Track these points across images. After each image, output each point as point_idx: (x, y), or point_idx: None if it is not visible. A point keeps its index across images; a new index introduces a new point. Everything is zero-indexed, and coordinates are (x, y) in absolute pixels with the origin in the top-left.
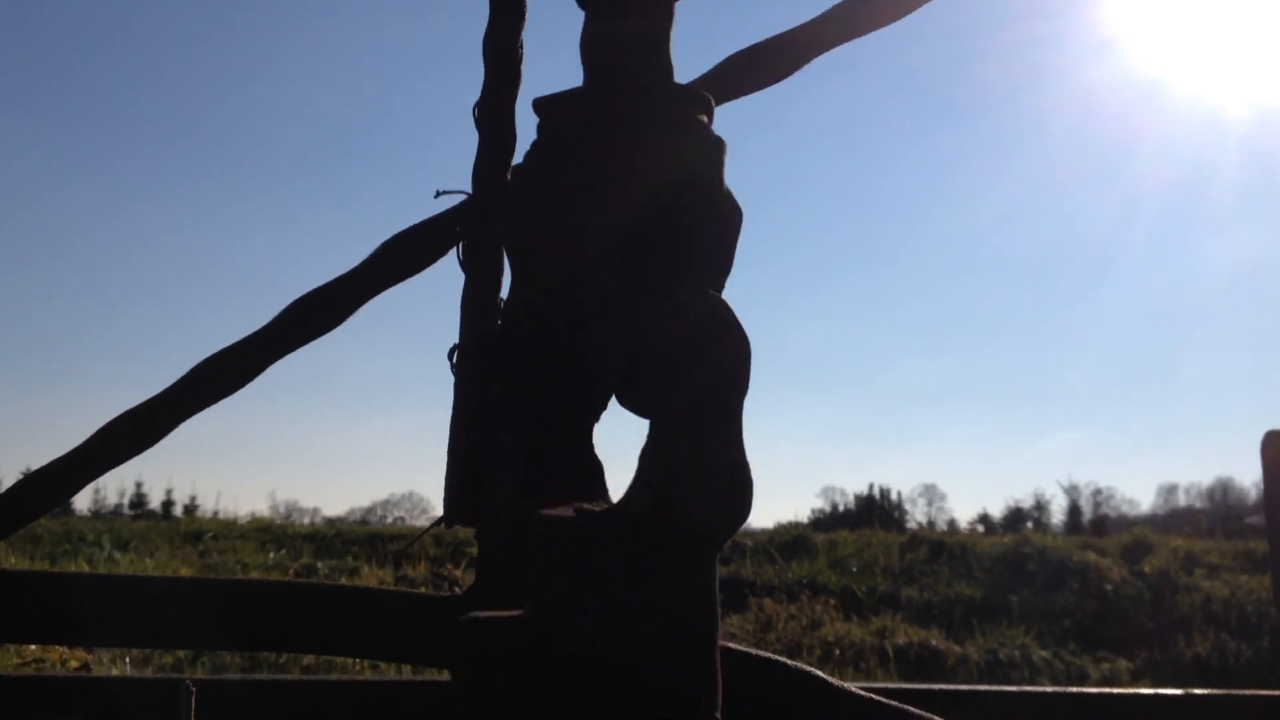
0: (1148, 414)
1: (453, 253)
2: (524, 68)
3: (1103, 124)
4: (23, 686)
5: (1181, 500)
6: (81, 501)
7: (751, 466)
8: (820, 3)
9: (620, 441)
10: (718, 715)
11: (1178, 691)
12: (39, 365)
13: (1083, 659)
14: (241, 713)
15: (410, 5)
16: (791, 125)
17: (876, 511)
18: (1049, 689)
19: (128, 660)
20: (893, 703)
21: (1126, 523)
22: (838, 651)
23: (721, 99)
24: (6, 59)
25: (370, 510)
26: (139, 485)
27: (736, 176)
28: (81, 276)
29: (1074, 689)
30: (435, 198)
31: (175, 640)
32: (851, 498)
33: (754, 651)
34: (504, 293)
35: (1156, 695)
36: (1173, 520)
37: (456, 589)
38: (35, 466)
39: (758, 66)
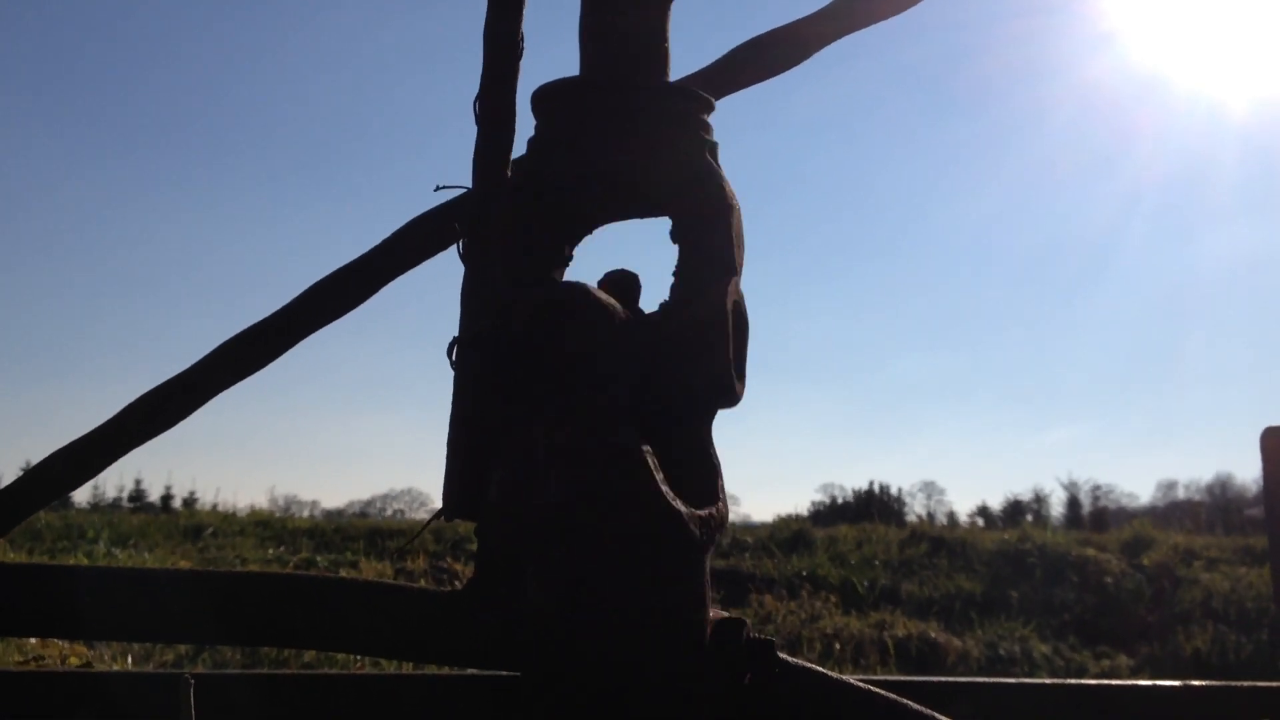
0: (1147, 409)
1: (453, 246)
2: (524, 60)
3: (1102, 118)
4: (22, 682)
5: (1181, 496)
6: (80, 494)
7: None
8: None
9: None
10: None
11: (1175, 683)
12: (39, 362)
13: (1082, 654)
14: (241, 707)
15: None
16: (792, 119)
17: (876, 506)
18: (1046, 680)
19: (129, 657)
20: (891, 695)
21: (1126, 516)
22: (837, 645)
23: (723, 91)
24: (7, 59)
25: (369, 503)
26: (138, 480)
27: (736, 170)
28: (81, 272)
29: (1071, 680)
30: (435, 191)
31: (174, 634)
32: (851, 493)
33: None
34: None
35: (1154, 687)
36: (1172, 513)
37: (456, 583)
38: (34, 462)
39: (760, 59)
